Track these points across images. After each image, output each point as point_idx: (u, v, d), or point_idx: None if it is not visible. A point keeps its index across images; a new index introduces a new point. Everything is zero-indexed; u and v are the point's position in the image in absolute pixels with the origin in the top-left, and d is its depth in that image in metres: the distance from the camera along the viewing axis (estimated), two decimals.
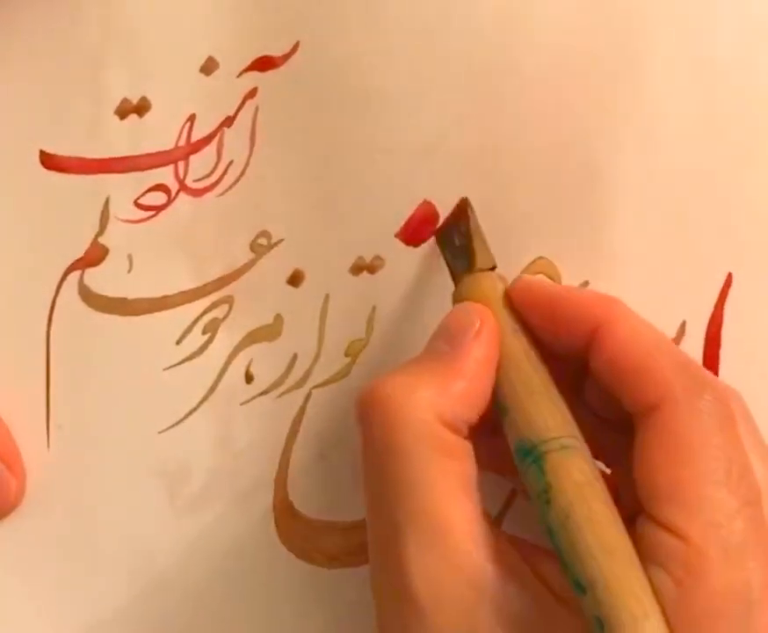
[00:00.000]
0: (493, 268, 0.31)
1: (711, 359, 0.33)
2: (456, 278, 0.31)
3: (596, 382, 0.29)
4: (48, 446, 0.33)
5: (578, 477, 0.26)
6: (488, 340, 0.28)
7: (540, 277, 0.32)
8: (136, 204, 0.32)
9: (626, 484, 0.27)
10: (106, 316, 0.32)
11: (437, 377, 0.28)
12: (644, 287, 0.33)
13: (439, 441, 0.27)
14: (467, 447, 0.27)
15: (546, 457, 0.26)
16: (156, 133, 0.32)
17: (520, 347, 0.29)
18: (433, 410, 0.27)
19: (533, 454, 0.27)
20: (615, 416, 0.29)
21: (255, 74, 0.32)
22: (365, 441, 0.28)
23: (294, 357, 0.33)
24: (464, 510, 0.26)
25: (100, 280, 0.32)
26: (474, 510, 0.26)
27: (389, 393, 0.27)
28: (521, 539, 0.28)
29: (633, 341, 0.28)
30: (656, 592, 0.25)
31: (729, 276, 0.33)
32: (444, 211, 0.32)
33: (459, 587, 0.25)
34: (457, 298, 0.30)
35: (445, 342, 0.29)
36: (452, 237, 0.31)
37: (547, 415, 0.27)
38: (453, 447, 0.27)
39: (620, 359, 0.28)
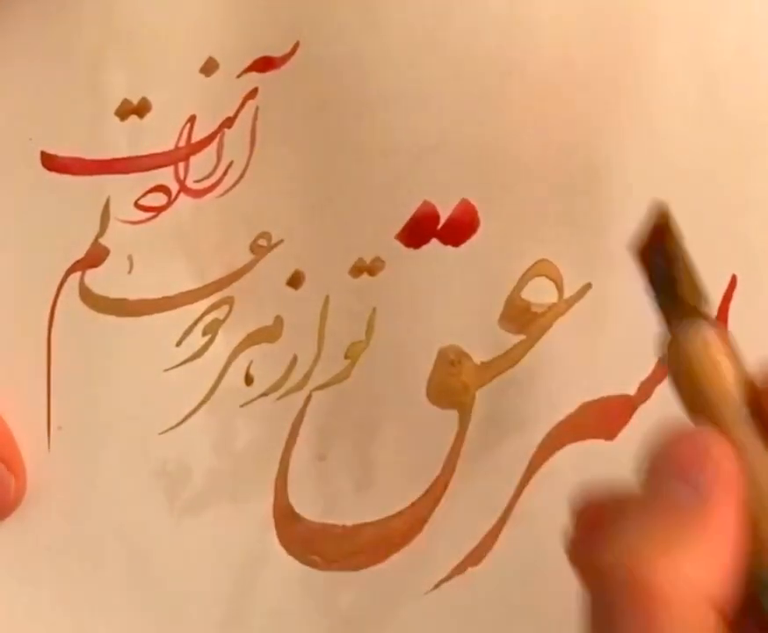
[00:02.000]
0: (698, 308, 0.25)
1: None
2: (666, 320, 0.25)
3: None
4: (49, 446, 0.33)
5: None
6: (739, 491, 0.23)
7: None
8: (137, 205, 0.32)
9: None
10: (107, 317, 0.32)
11: (698, 547, 0.23)
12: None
13: None
14: None
15: None
16: (157, 134, 0.32)
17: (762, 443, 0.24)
18: (705, 596, 0.22)
19: None
20: None
21: (255, 74, 0.32)
22: (612, 620, 0.23)
23: (294, 359, 0.33)
24: None
25: (101, 281, 0.32)
26: None
27: (650, 575, 0.22)
28: None
29: None
30: None
31: (734, 278, 0.33)
32: (444, 211, 0.32)
33: None
34: (675, 358, 0.25)
35: (691, 490, 0.23)
36: (655, 259, 0.26)
37: None
38: None
39: None
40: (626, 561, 0.23)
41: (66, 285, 0.32)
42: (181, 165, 0.32)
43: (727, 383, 0.24)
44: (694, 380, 0.24)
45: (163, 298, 0.32)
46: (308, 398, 0.33)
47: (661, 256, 0.26)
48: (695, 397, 0.24)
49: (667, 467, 0.24)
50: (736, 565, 0.23)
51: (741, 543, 0.23)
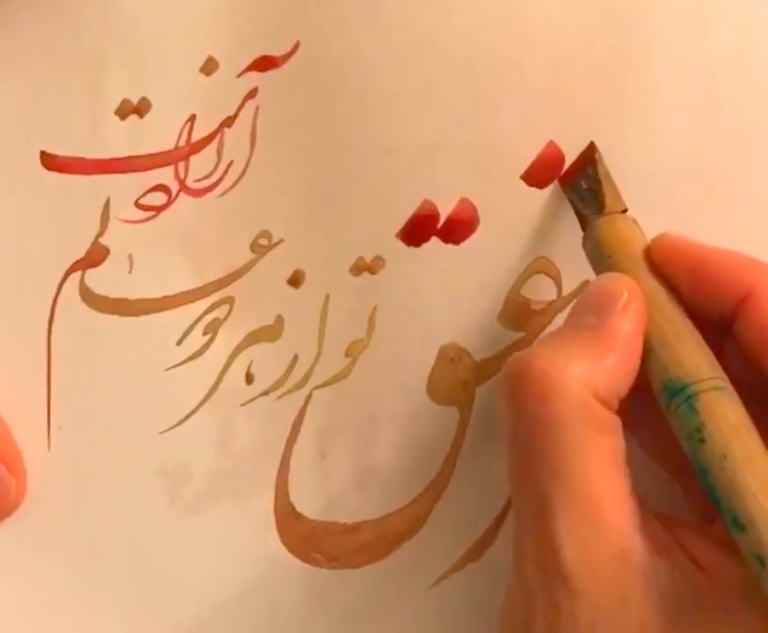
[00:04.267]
0: (624, 211, 0.31)
1: None
2: (584, 221, 0.31)
3: (738, 348, 0.29)
4: (49, 447, 0.33)
5: (733, 418, 0.26)
6: (636, 312, 0.28)
7: (683, 236, 0.30)
8: (137, 204, 0.32)
9: None
10: (107, 316, 0.32)
11: (589, 351, 0.27)
12: None
13: (593, 416, 0.27)
14: (617, 422, 0.27)
15: (698, 397, 0.27)
16: (157, 133, 0.32)
17: (663, 291, 0.29)
18: (588, 384, 0.27)
19: (684, 393, 0.27)
20: (758, 382, 0.28)
21: (255, 74, 0.32)
22: (516, 413, 0.27)
23: (295, 358, 0.33)
24: (615, 485, 0.27)
25: (101, 280, 0.32)
26: (624, 485, 0.27)
27: (544, 366, 0.27)
28: (663, 513, 0.28)
29: None
30: None
31: None
32: (444, 211, 0.32)
33: (609, 561, 0.26)
34: (590, 240, 0.31)
35: (594, 315, 0.28)
36: (579, 182, 0.31)
37: (696, 355, 0.27)
38: (606, 422, 0.27)
39: None
40: (529, 360, 0.27)
41: (66, 285, 0.32)
42: (181, 165, 0.32)
43: (632, 245, 0.30)
44: (609, 245, 0.30)
45: (164, 297, 0.32)
46: (309, 397, 0.33)
47: (585, 174, 0.31)
48: (610, 259, 0.30)
49: (583, 303, 0.29)
50: (627, 372, 0.28)
51: (633, 357, 0.28)
